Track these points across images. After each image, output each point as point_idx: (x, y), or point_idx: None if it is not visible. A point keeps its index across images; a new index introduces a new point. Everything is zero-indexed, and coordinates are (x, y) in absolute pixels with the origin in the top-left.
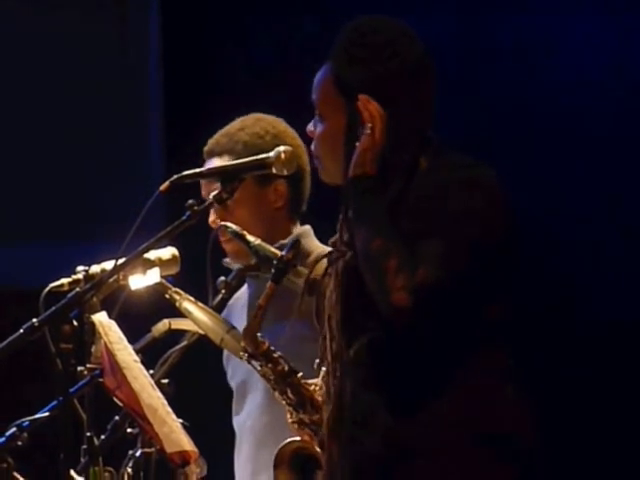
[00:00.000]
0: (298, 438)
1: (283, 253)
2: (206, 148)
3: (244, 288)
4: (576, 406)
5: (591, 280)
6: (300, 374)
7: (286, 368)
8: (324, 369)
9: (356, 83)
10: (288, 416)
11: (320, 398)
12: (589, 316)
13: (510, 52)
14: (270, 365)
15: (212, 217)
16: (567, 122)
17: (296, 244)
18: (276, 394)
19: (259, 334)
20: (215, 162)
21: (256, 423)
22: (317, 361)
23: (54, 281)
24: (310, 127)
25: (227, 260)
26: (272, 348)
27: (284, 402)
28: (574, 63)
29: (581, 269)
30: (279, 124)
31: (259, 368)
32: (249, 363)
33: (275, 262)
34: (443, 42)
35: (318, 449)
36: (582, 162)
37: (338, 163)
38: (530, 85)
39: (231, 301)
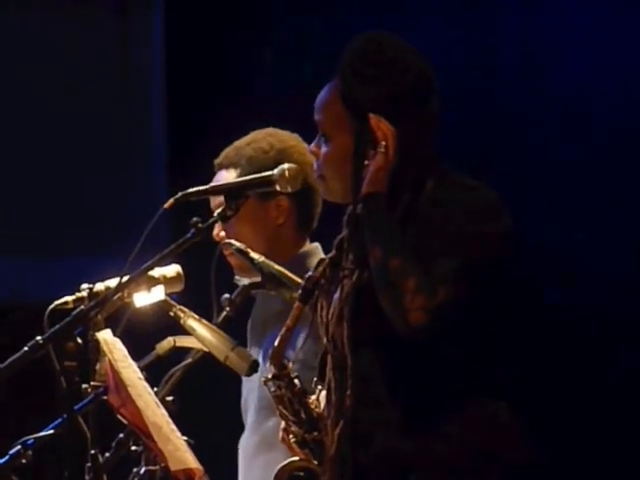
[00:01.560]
0: (297, 458)
1: (310, 273)
2: (217, 160)
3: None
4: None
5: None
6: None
7: (301, 388)
8: (319, 388)
9: (366, 102)
10: (288, 435)
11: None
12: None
13: (512, 55)
14: (290, 386)
15: (216, 230)
16: (570, 123)
17: (321, 263)
18: (279, 413)
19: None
20: (223, 174)
21: (247, 442)
22: (315, 379)
23: (57, 295)
24: (313, 147)
25: (238, 277)
26: (291, 368)
27: (290, 422)
28: (577, 64)
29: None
30: (289, 140)
31: (273, 389)
32: (265, 385)
33: (303, 282)
34: (444, 45)
35: (317, 467)
36: (585, 163)
37: (344, 183)
38: (532, 88)
39: None
